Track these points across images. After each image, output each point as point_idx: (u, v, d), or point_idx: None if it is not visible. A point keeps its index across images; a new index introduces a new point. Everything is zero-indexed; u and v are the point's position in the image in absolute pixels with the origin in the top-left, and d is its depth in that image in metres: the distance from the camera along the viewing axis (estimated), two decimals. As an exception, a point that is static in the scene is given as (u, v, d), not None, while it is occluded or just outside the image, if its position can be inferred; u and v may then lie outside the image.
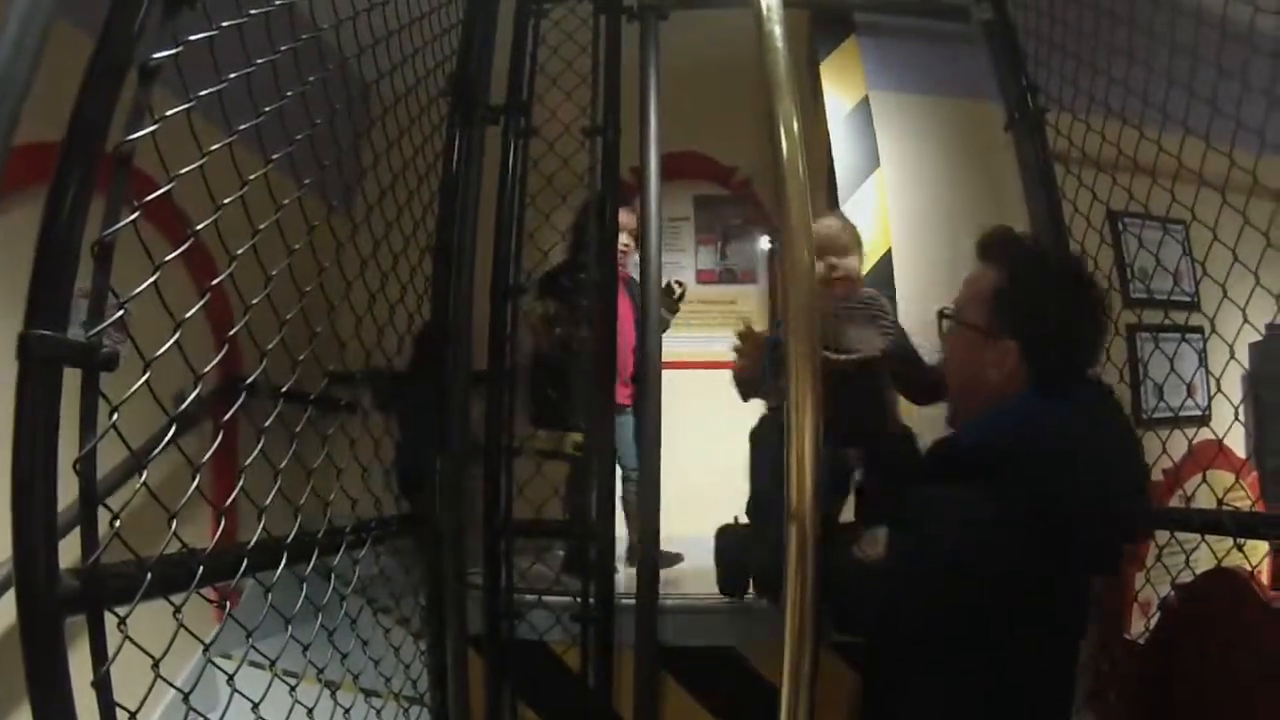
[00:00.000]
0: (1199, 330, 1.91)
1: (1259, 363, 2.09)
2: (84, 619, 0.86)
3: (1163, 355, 1.82)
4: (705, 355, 3.59)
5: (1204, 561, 1.60)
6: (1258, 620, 1.45)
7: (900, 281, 2.24)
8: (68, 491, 0.85)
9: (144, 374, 0.92)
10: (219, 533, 1.11)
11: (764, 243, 3.81)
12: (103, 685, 0.86)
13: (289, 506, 1.29)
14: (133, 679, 0.93)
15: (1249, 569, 1.51)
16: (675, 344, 2.80)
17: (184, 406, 1.00)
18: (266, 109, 1.19)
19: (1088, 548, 1.15)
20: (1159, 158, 1.74)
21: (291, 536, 1.26)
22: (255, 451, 1.19)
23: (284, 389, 1.27)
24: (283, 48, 1.23)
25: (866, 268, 2.37)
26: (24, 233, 0.84)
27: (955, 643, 1.09)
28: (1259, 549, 1.61)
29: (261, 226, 1.17)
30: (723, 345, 3.61)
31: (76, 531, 0.86)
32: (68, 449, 0.85)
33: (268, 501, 1.22)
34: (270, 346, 1.21)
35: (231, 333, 1.12)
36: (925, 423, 1.61)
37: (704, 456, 3.21)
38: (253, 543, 1.16)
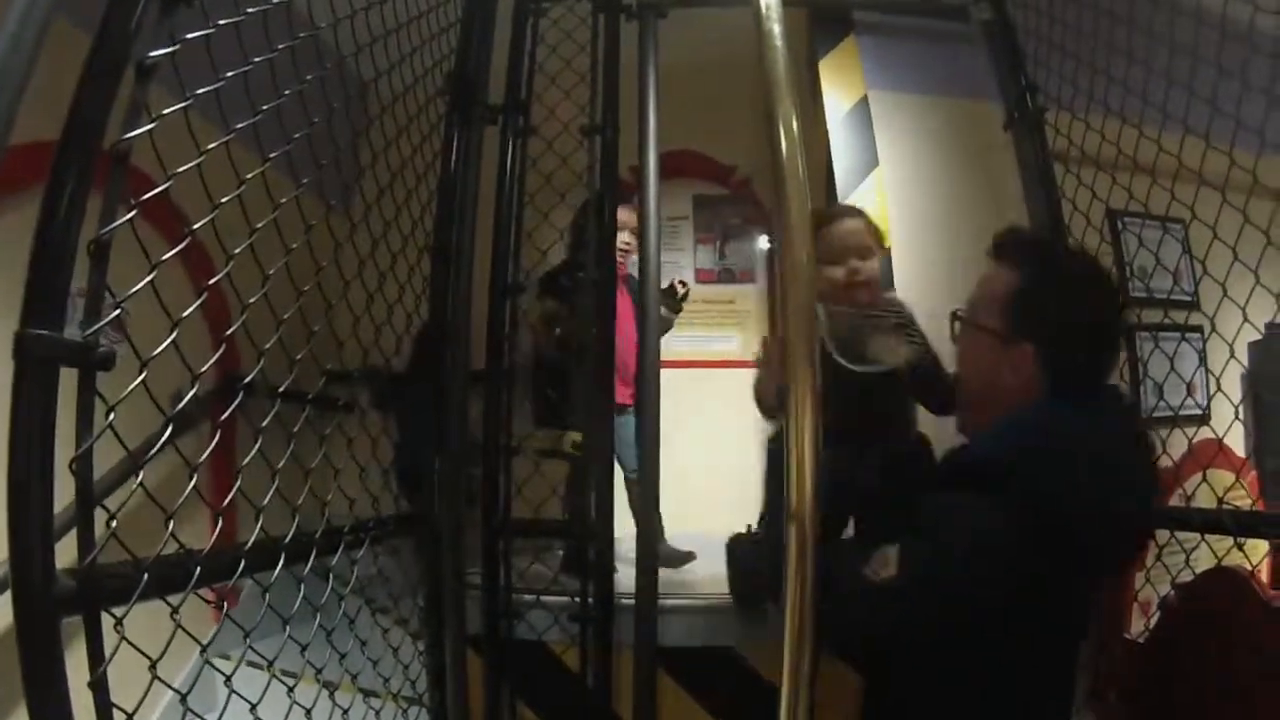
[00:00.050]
0: (1199, 329, 1.91)
1: (1259, 362, 2.09)
2: (81, 620, 0.86)
3: (1162, 354, 1.82)
4: (704, 355, 3.60)
5: (1204, 561, 1.60)
6: (1258, 620, 1.45)
7: (899, 281, 2.24)
8: (66, 492, 0.85)
9: (140, 373, 0.92)
10: (216, 533, 1.11)
11: (763, 242, 3.80)
12: (100, 686, 0.86)
13: (287, 507, 1.29)
14: (131, 680, 0.93)
15: (1249, 568, 1.51)
16: (673, 343, 2.81)
17: (181, 406, 0.99)
18: (264, 107, 1.18)
19: (1103, 558, 1.14)
20: (1159, 157, 1.74)
21: (289, 537, 1.25)
22: (253, 451, 1.19)
23: (281, 389, 1.27)
24: (280, 46, 1.22)
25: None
26: (22, 232, 0.84)
27: (963, 653, 1.07)
28: (1259, 548, 1.61)
29: (259, 225, 1.17)
30: (722, 345, 3.66)
31: (74, 532, 0.86)
32: (65, 449, 0.84)
33: (265, 502, 1.21)
34: (267, 346, 1.21)
35: (229, 332, 1.12)
36: (928, 426, 1.60)
37: (704, 455, 3.22)
38: (250, 543, 1.15)
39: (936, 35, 2.54)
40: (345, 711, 1.44)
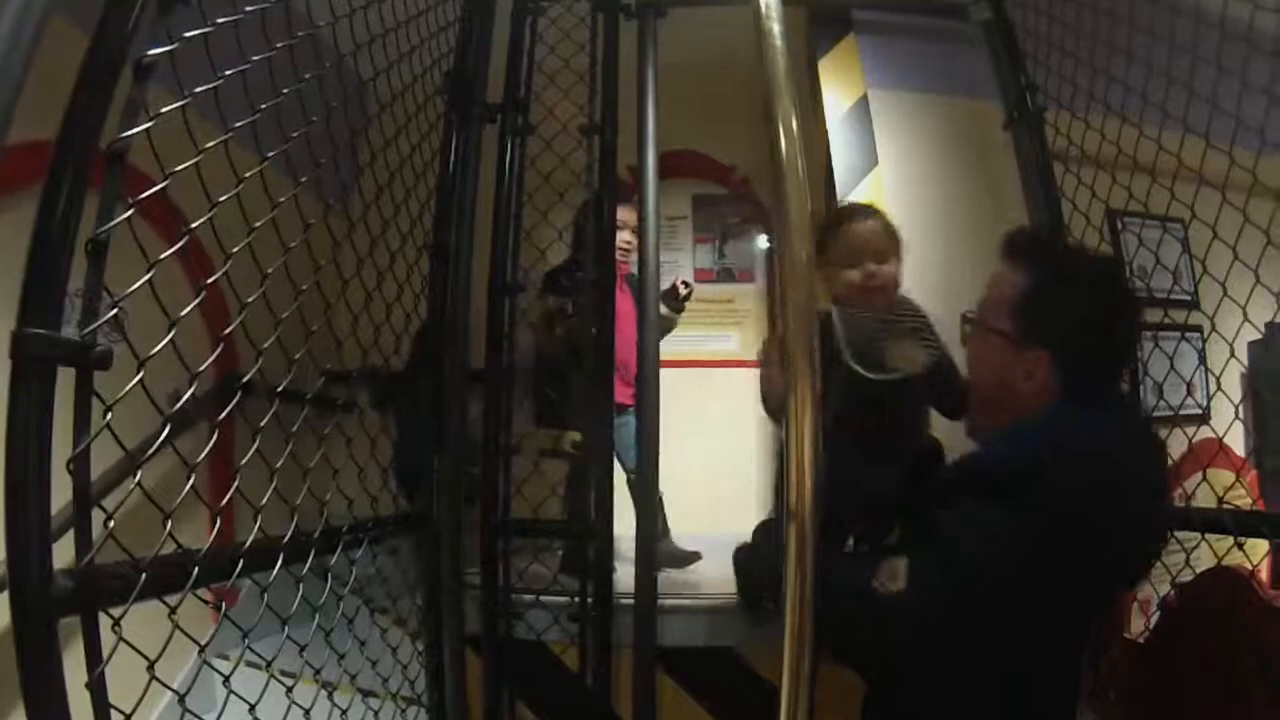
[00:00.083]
0: (1198, 329, 1.91)
1: (1259, 361, 2.09)
2: (79, 620, 0.86)
3: (1162, 354, 1.82)
4: (703, 355, 3.59)
5: (1204, 560, 1.60)
6: (1258, 620, 1.45)
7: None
8: (64, 492, 0.85)
9: (138, 372, 0.92)
10: (214, 533, 1.11)
11: (762, 241, 3.80)
12: (97, 687, 0.85)
13: (286, 507, 1.29)
14: (130, 680, 0.92)
15: (1249, 568, 1.51)
16: (672, 343, 2.80)
17: (178, 406, 0.99)
18: (262, 106, 1.18)
19: (1120, 568, 1.12)
20: (1158, 156, 1.74)
21: (288, 537, 1.25)
22: (251, 451, 1.19)
23: (279, 388, 1.27)
24: (279, 45, 1.22)
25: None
26: (19, 232, 0.84)
27: (971, 661, 1.05)
28: (1259, 548, 1.61)
29: (257, 224, 1.16)
30: (721, 345, 3.66)
31: (72, 532, 0.86)
32: (64, 448, 0.84)
33: (264, 502, 1.21)
34: (266, 345, 1.21)
35: (226, 331, 1.11)
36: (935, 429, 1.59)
37: (703, 455, 3.22)
38: (248, 543, 1.15)
39: (936, 34, 2.53)
40: (344, 712, 1.44)
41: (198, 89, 1.03)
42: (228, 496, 1.14)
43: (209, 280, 1.07)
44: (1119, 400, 1.19)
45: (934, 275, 2.10)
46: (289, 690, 1.28)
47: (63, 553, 0.84)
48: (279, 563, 1.21)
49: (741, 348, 3.68)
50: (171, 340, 0.97)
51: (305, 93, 1.29)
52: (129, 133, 0.90)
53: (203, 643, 1.09)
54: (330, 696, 1.40)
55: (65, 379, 0.84)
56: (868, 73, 2.57)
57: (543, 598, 1.97)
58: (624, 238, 2.40)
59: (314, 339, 1.35)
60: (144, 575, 0.91)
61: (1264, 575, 1.79)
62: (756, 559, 1.61)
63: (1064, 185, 2.06)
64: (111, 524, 0.90)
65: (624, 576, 1.90)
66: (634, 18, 2.16)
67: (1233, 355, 1.66)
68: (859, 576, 1.12)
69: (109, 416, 0.87)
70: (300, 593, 1.31)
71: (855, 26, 2.63)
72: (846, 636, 1.15)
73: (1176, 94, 1.68)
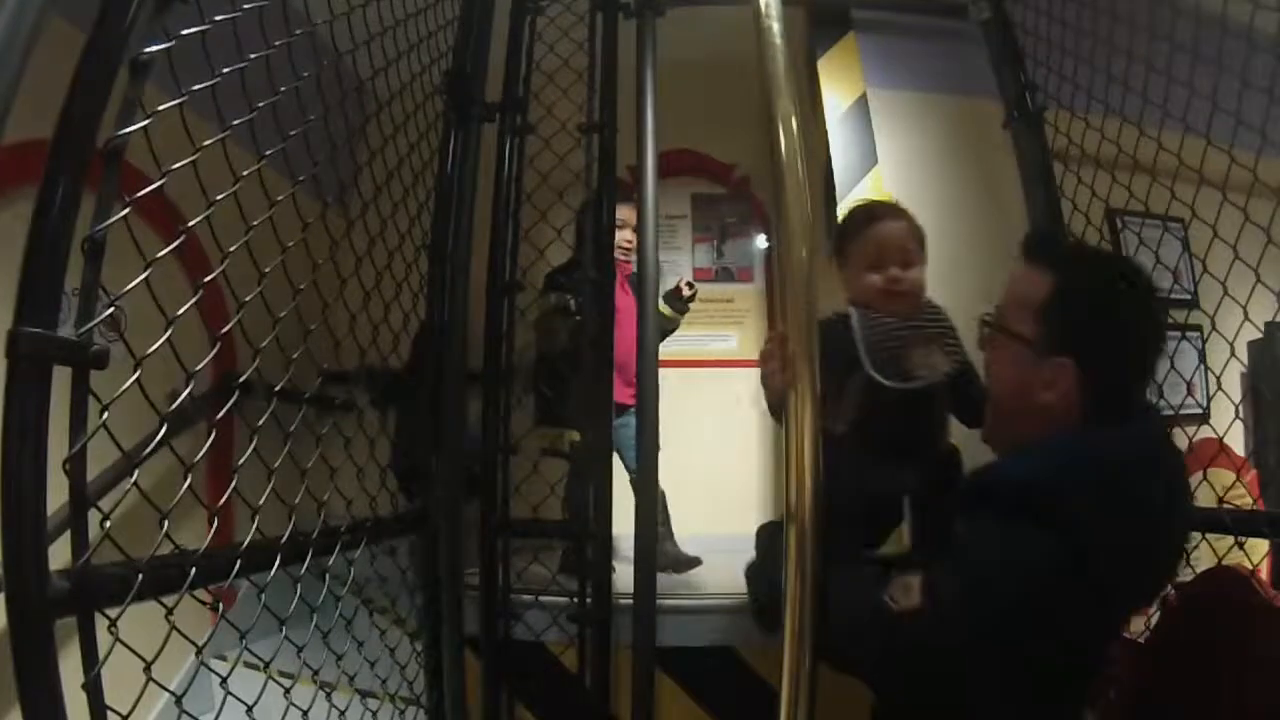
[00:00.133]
0: (1198, 328, 1.90)
1: (1259, 361, 2.09)
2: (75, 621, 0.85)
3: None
4: (702, 354, 3.59)
5: (1204, 560, 1.60)
6: (1258, 619, 1.45)
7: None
8: (62, 493, 0.85)
9: (135, 371, 0.91)
10: (212, 533, 1.10)
11: (761, 241, 3.80)
12: (93, 688, 0.85)
13: (284, 507, 1.28)
14: (129, 681, 0.92)
15: (1249, 567, 1.50)
16: (671, 342, 2.80)
17: (175, 405, 0.99)
18: (260, 104, 1.18)
19: (1143, 591, 1.11)
20: (1158, 155, 1.74)
21: (286, 537, 1.25)
22: (248, 451, 1.18)
23: (278, 388, 1.26)
24: (276, 43, 1.22)
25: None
26: (16, 231, 0.83)
27: (987, 680, 1.01)
28: (1259, 547, 1.61)
29: (255, 223, 1.16)
30: (720, 344, 3.65)
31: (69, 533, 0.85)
32: (61, 449, 0.84)
33: (261, 502, 1.20)
34: (263, 345, 1.20)
35: (224, 330, 1.11)
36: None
37: (702, 455, 3.21)
38: (246, 543, 1.14)
39: (935, 33, 2.53)
40: (342, 712, 1.44)
41: (195, 87, 1.03)
42: (225, 497, 1.13)
43: (206, 279, 1.07)
44: (1143, 411, 1.13)
45: (933, 275, 2.10)
46: (287, 691, 1.28)
47: (60, 554, 0.84)
48: (277, 563, 1.21)
49: (741, 347, 3.68)
50: (169, 340, 0.97)
51: (303, 91, 1.29)
52: (126, 131, 0.90)
53: (200, 644, 1.08)
54: (329, 697, 1.40)
55: (63, 379, 0.84)
56: (867, 71, 2.57)
57: (542, 598, 1.97)
58: (625, 237, 2.39)
59: (312, 338, 1.34)
60: (141, 576, 0.91)
61: (1264, 575, 1.79)
62: (760, 574, 1.57)
63: (1064, 184, 2.06)
64: (108, 524, 0.90)
65: (623, 576, 1.90)
66: (633, 16, 2.16)
67: (1233, 354, 1.65)
68: (869, 591, 1.08)
69: (105, 416, 0.87)
70: (298, 593, 1.30)
71: (854, 25, 2.62)
72: (853, 651, 1.12)
73: (1177, 93, 1.68)
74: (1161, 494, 1.03)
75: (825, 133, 2.50)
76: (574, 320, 2.13)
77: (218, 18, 1.07)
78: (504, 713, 1.92)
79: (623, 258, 2.46)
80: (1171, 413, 1.88)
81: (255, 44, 1.18)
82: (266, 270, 1.20)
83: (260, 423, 1.22)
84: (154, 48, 0.94)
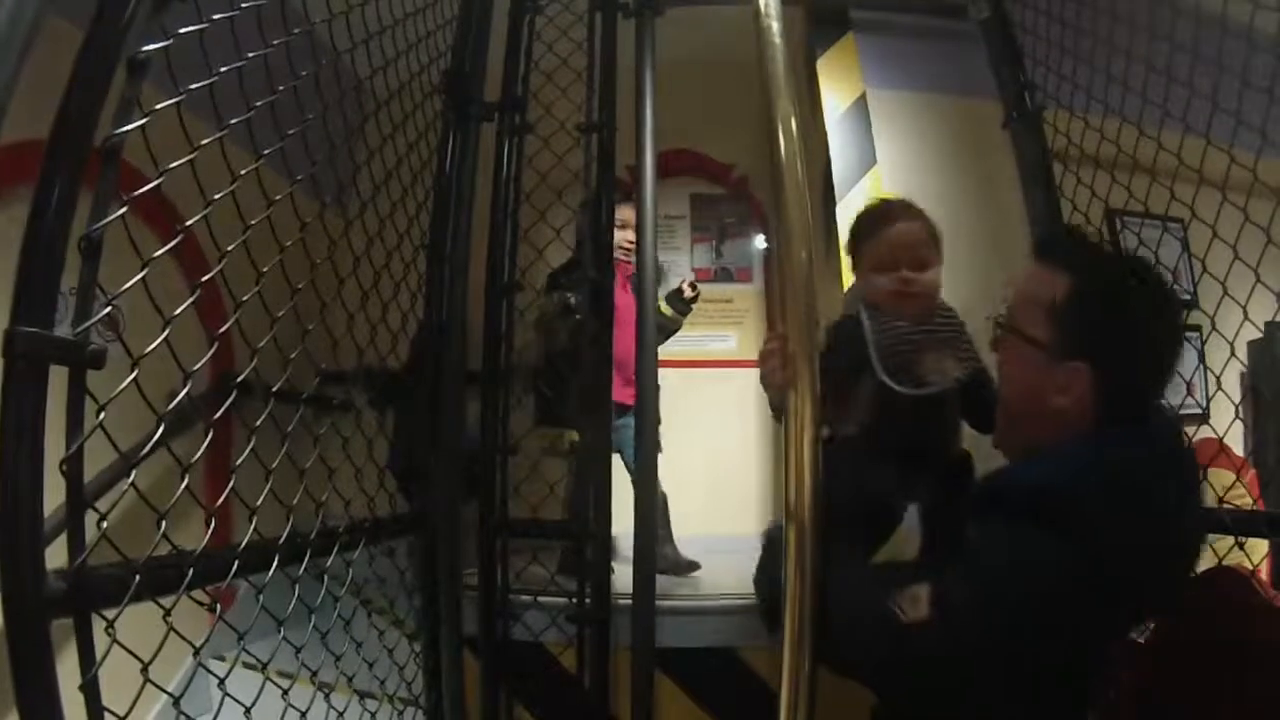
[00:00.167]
0: (1198, 328, 1.90)
1: (1259, 361, 2.09)
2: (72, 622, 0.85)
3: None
4: (701, 354, 3.59)
5: (1205, 560, 1.60)
6: (1258, 619, 1.45)
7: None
8: (60, 494, 0.84)
9: (131, 371, 0.91)
10: (210, 534, 1.10)
11: (760, 241, 3.80)
12: (90, 689, 0.85)
13: (283, 508, 1.28)
14: (127, 682, 0.92)
15: (1249, 567, 1.50)
16: (670, 342, 2.80)
17: (173, 405, 0.98)
18: (258, 103, 1.17)
19: (1159, 601, 1.09)
20: (1158, 155, 1.73)
21: (284, 538, 1.24)
22: (246, 451, 1.18)
23: (275, 388, 1.26)
24: (274, 42, 1.21)
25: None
26: (12, 234, 0.83)
27: (994, 687, 1.00)
28: (1259, 547, 1.60)
29: (253, 223, 1.16)
30: (719, 345, 3.65)
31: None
32: (59, 449, 0.83)
33: (259, 502, 1.20)
34: (261, 345, 1.20)
35: (222, 330, 1.10)
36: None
37: (701, 455, 3.21)
38: (244, 544, 1.14)
39: (934, 33, 2.53)
40: (341, 714, 1.44)
41: (193, 86, 1.03)
42: (223, 497, 1.13)
43: (203, 278, 1.06)
44: (1158, 415, 1.10)
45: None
46: (285, 692, 1.28)
47: (58, 555, 0.84)
48: (275, 564, 1.20)
49: (740, 347, 3.68)
50: (166, 340, 0.96)
51: (301, 90, 1.29)
52: (123, 129, 0.89)
53: (198, 645, 1.08)
54: (327, 698, 1.40)
55: (62, 379, 0.83)
56: (866, 71, 2.57)
57: (541, 598, 1.96)
58: (627, 237, 2.39)
59: (310, 338, 1.34)
60: (138, 577, 0.91)
61: (1264, 575, 1.78)
62: (766, 574, 1.56)
63: (1063, 184, 2.05)
64: (105, 525, 0.89)
65: (623, 577, 1.90)
66: (632, 16, 2.15)
67: (1233, 354, 1.65)
68: (876, 598, 1.06)
69: (102, 416, 0.86)
70: (296, 594, 1.30)
71: (853, 26, 2.62)
72: (858, 657, 1.10)
73: (1176, 92, 1.68)
74: (1177, 499, 1.02)
75: (824, 133, 2.50)
76: (575, 320, 2.12)
77: (216, 16, 1.07)
78: (503, 713, 1.91)
79: (624, 258, 2.46)
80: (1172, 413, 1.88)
81: (253, 43, 1.17)
82: (264, 270, 1.19)
83: (258, 423, 1.21)
84: (152, 46, 0.94)
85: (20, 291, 0.80)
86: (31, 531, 0.79)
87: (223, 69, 1.09)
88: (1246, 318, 1.56)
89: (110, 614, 0.89)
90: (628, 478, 2.18)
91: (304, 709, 1.32)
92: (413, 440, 1.85)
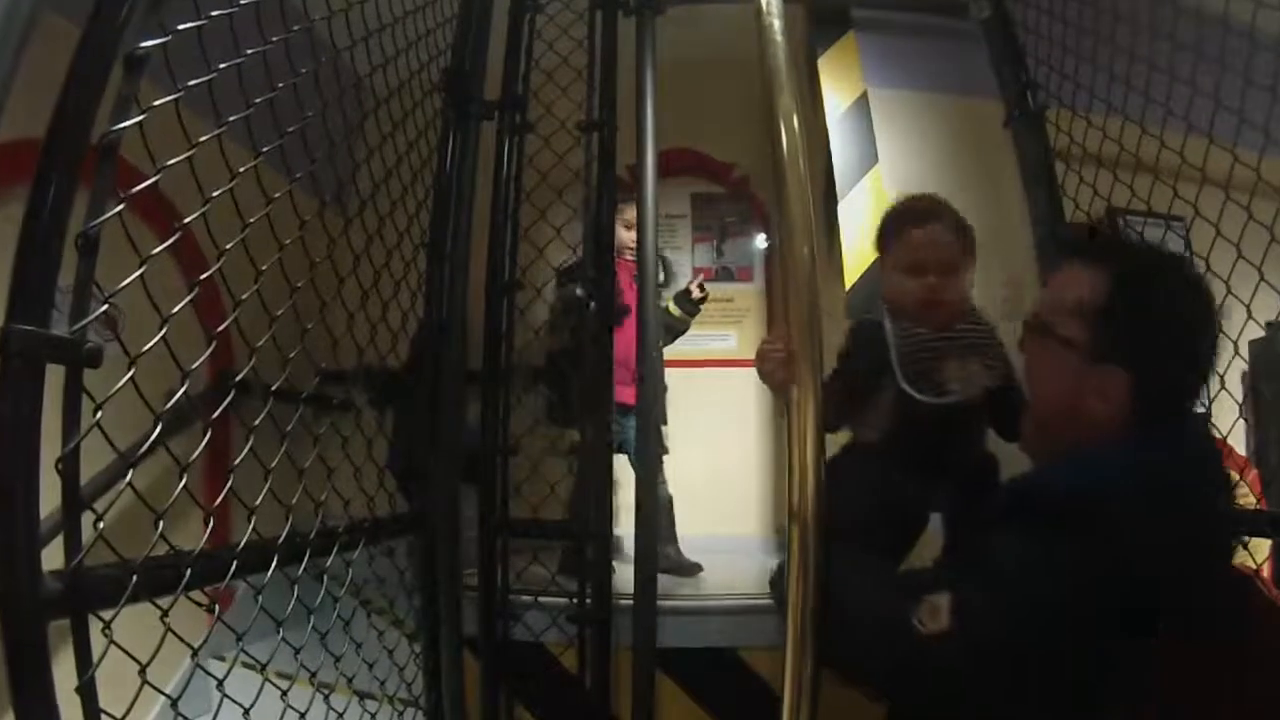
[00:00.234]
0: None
1: (1261, 360, 2.08)
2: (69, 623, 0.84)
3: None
4: (701, 354, 3.58)
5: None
6: (1261, 619, 1.44)
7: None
8: (57, 494, 0.84)
9: (129, 369, 0.90)
10: (208, 534, 1.09)
11: (760, 240, 3.80)
12: (87, 691, 0.84)
13: (282, 507, 1.27)
14: (126, 683, 0.91)
15: (1251, 567, 1.50)
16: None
17: (170, 404, 0.98)
18: (256, 100, 1.17)
19: (1191, 614, 1.08)
20: (1161, 154, 1.73)
21: (283, 537, 1.24)
22: (244, 450, 1.17)
23: (275, 387, 1.25)
24: (273, 39, 1.21)
25: (863, 267, 2.36)
26: (7, 233, 0.82)
27: (1016, 699, 0.96)
28: (1261, 547, 1.60)
29: (251, 220, 1.15)
30: (719, 344, 3.65)
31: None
32: (56, 449, 0.83)
33: (258, 502, 1.19)
34: (260, 343, 1.19)
35: (220, 329, 1.10)
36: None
37: (701, 455, 3.21)
38: (243, 544, 1.13)
39: (936, 32, 2.53)
40: (340, 714, 1.43)
41: (191, 82, 1.02)
42: (221, 496, 1.12)
43: (202, 276, 1.06)
44: (1196, 428, 1.07)
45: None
46: (284, 693, 1.27)
47: (55, 557, 0.83)
48: (274, 564, 1.20)
49: (740, 347, 3.67)
50: (165, 339, 0.96)
51: (300, 88, 1.28)
52: (120, 125, 0.89)
53: (196, 645, 1.07)
54: (326, 699, 1.39)
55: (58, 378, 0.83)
56: (867, 71, 2.57)
57: (541, 599, 1.96)
58: (633, 236, 2.38)
59: (310, 337, 1.33)
60: (135, 577, 0.90)
61: (1266, 574, 1.78)
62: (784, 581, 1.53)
63: (1065, 183, 2.05)
64: (101, 525, 0.88)
65: (624, 577, 1.89)
66: (633, 14, 2.15)
67: (1235, 353, 1.64)
68: (896, 608, 1.03)
69: (99, 415, 0.86)
70: (296, 594, 1.29)
71: (854, 25, 2.62)
72: (874, 666, 1.08)
73: (1179, 91, 1.67)
74: (1213, 505, 1.00)
75: (825, 132, 2.49)
76: (578, 320, 2.11)
77: (214, 13, 1.06)
78: (503, 714, 1.91)
79: (631, 257, 2.46)
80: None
81: (252, 40, 1.17)
82: (263, 268, 1.18)
83: (257, 422, 1.21)
84: (150, 42, 0.93)
85: (16, 289, 0.79)
86: (28, 531, 0.79)
87: (221, 65, 1.08)
88: (1250, 317, 1.56)
89: (107, 615, 0.88)
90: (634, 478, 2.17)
91: (303, 710, 1.32)
92: (412, 440, 1.85)
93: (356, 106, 1.57)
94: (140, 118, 0.91)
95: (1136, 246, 1.30)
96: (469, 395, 1.97)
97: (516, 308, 2.07)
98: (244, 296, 1.15)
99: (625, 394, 2.15)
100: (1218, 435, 1.65)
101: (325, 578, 1.39)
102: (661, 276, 2.97)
